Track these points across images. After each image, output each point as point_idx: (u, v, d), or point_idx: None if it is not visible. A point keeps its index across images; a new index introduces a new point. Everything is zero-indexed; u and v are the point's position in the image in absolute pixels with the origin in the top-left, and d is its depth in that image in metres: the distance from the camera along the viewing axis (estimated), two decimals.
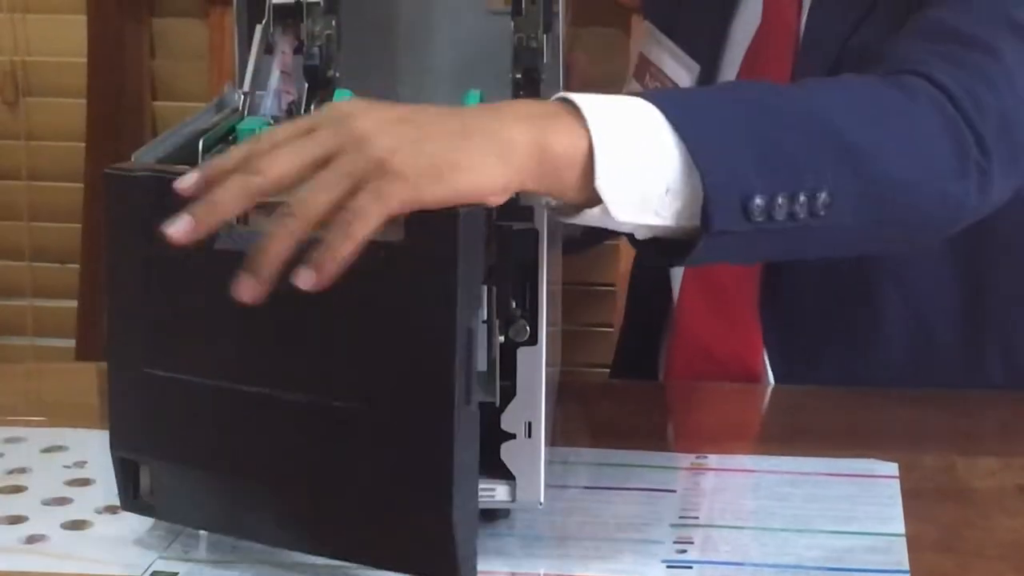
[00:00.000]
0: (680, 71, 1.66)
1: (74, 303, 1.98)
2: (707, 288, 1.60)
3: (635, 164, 1.14)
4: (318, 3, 1.25)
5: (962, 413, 1.41)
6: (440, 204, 0.98)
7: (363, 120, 1.00)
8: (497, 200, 1.02)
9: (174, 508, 1.09)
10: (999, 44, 1.37)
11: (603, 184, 1.10)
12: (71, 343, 1.99)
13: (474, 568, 1.01)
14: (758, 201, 1.20)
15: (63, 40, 2.01)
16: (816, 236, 1.28)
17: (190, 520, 1.10)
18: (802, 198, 1.22)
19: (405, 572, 1.04)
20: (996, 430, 1.38)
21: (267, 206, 1.00)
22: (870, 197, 1.29)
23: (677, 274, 1.64)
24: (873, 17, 1.54)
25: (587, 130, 1.10)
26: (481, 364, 1.04)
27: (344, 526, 1.06)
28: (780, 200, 1.22)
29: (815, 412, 1.47)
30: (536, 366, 1.08)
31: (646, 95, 1.19)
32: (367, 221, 0.95)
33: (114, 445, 1.08)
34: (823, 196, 1.24)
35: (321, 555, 1.08)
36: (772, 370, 1.57)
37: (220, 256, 0.99)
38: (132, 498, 1.08)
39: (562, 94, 1.14)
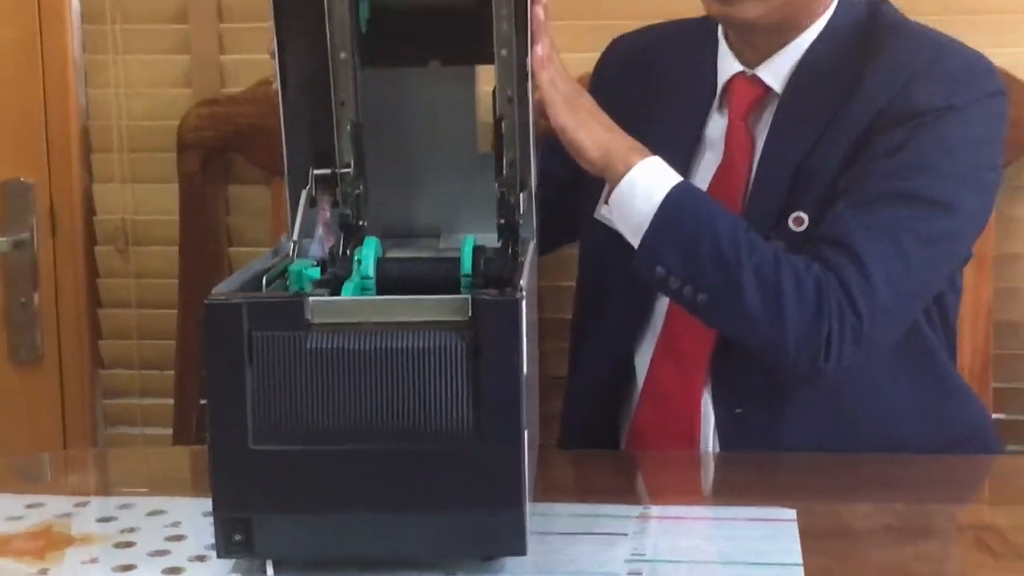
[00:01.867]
0: None
1: (171, 401, 1.98)
2: (671, 360, 1.55)
3: (629, 202, 1.39)
4: (348, 172, 1.25)
5: (846, 471, 1.41)
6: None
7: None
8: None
9: (275, 546, 1.10)
10: (866, 252, 1.39)
11: (613, 197, 1.39)
12: (169, 431, 1.99)
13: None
14: (660, 271, 1.31)
15: (162, 202, 2.01)
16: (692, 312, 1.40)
17: (291, 551, 1.11)
18: (687, 289, 1.31)
19: (491, 556, 1.12)
20: (870, 483, 1.37)
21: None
22: (732, 322, 1.41)
23: (644, 360, 1.59)
24: (824, 142, 1.48)
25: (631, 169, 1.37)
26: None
27: (440, 528, 1.09)
28: (673, 280, 1.31)
29: (736, 472, 1.49)
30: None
31: (683, 183, 1.41)
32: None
33: (218, 507, 1.08)
34: (700, 296, 1.32)
35: (421, 556, 1.12)
36: (717, 432, 1.53)
37: (313, 352, 1.05)
38: (232, 544, 1.08)
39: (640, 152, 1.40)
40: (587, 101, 1.40)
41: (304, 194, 1.27)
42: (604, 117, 1.41)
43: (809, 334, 1.37)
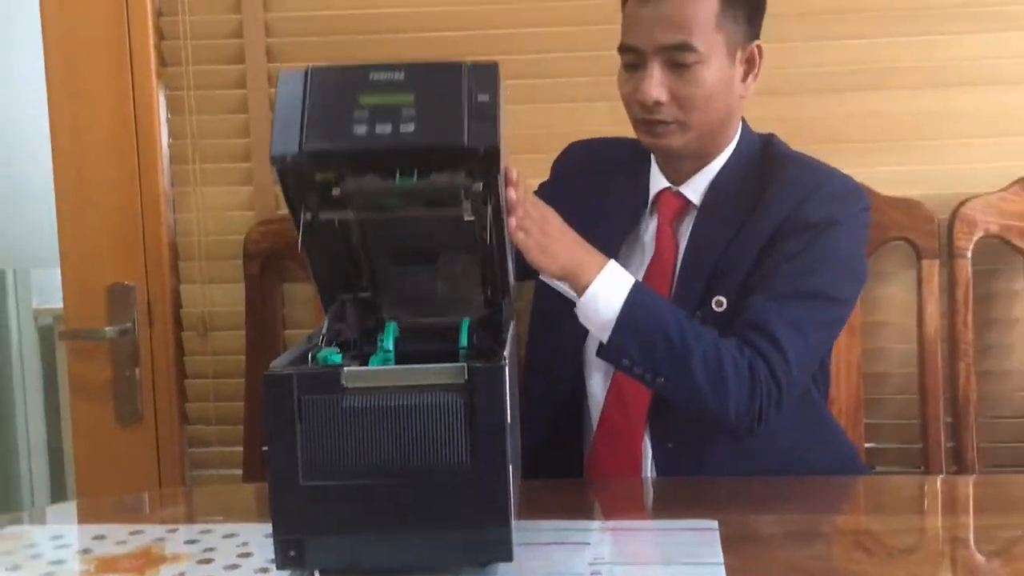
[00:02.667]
0: None
1: (240, 449, 1.97)
2: (618, 410, 1.53)
3: (594, 306, 1.35)
4: (367, 297, 1.26)
5: (754, 491, 1.40)
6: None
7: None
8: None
9: (322, 559, 1.09)
10: (783, 337, 1.40)
11: (579, 303, 1.34)
12: (239, 472, 1.98)
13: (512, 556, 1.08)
14: (625, 362, 1.29)
15: (232, 298, 2.01)
16: (651, 388, 1.40)
17: (335, 563, 1.10)
18: (647, 375, 1.30)
19: (486, 562, 1.12)
20: (774, 500, 1.37)
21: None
22: (685, 397, 1.39)
23: (598, 401, 1.56)
24: (733, 245, 1.49)
25: (594, 280, 1.34)
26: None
27: (446, 542, 1.09)
28: (635, 368, 1.31)
29: (670, 493, 1.48)
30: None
31: (637, 285, 1.37)
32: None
33: (276, 530, 1.08)
34: (660, 380, 1.32)
35: (432, 564, 1.11)
36: (655, 462, 1.51)
37: (347, 410, 1.07)
38: (288, 559, 1.08)
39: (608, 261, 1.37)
40: (554, 228, 1.34)
41: (331, 309, 1.27)
42: (568, 239, 1.36)
43: (747, 406, 1.39)
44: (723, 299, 1.47)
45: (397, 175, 1.09)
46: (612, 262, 1.38)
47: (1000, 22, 1.90)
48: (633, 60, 1.47)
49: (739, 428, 1.40)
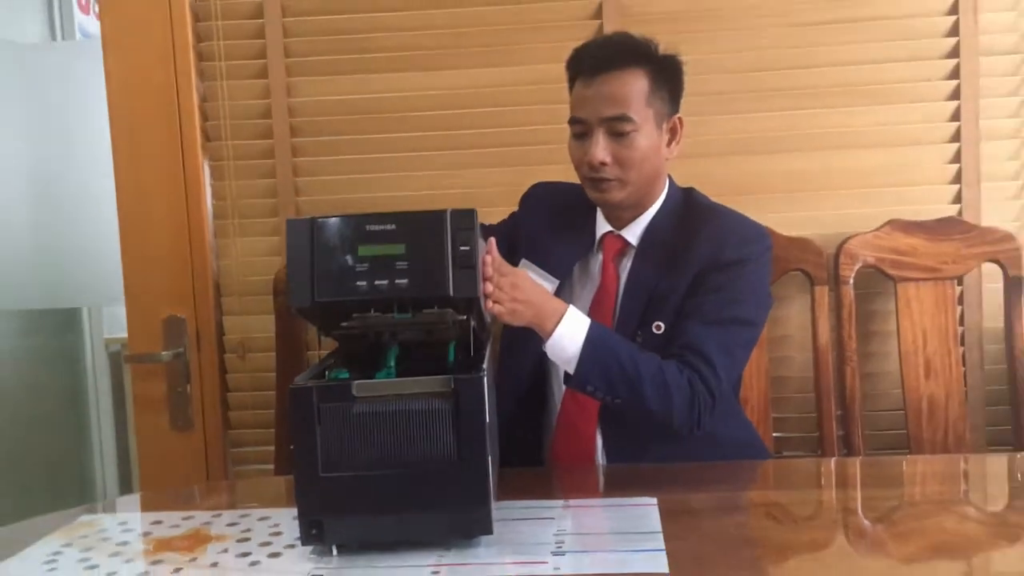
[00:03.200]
0: (547, 284, 1.53)
1: (272, 448, 1.96)
2: (575, 403, 1.51)
3: (560, 345, 1.33)
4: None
5: (686, 473, 1.39)
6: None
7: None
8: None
9: (338, 536, 1.09)
10: (714, 356, 1.41)
11: (547, 346, 1.33)
12: (271, 467, 1.96)
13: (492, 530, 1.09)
14: (590, 389, 1.29)
15: (265, 326, 2.00)
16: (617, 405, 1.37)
17: (348, 539, 1.10)
18: (607, 396, 1.30)
19: (471, 536, 1.11)
20: (702, 481, 1.36)
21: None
22: (639, 411, 1.39)
23: (557, 402, 1.56)
24: (666, 279, 1.48)
25: (558, 325, 1.32)
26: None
27: (438, 519, 1.08)
28: (597, 392, 1.30)
29: (618, 476, 1.46)
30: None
31: (592, 325, 1.36)
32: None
33: (301, 513, 1.08)
34: (618, 400, 1.31)
35: (427, 538, 1.11)
36: (605, 452, 1.51)
37: (357, 415, 1.07)
38: (310, 536, 1.08)
39: (568, 307, 1.36)
40: (521, 292, 1.31)
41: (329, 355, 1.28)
42: (533, 296, 1.33)
43: (688, 415, 1.39)
44: (661, 324, 1.47)
45: (395, 310, 1.11)
46: (571, 308, 1.37)
47: (871, 99, 1.92)
48: (581, 130, 1.48)
49: (682, 431, 1.41)
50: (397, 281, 1.07)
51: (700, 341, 1.42)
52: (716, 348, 1.41)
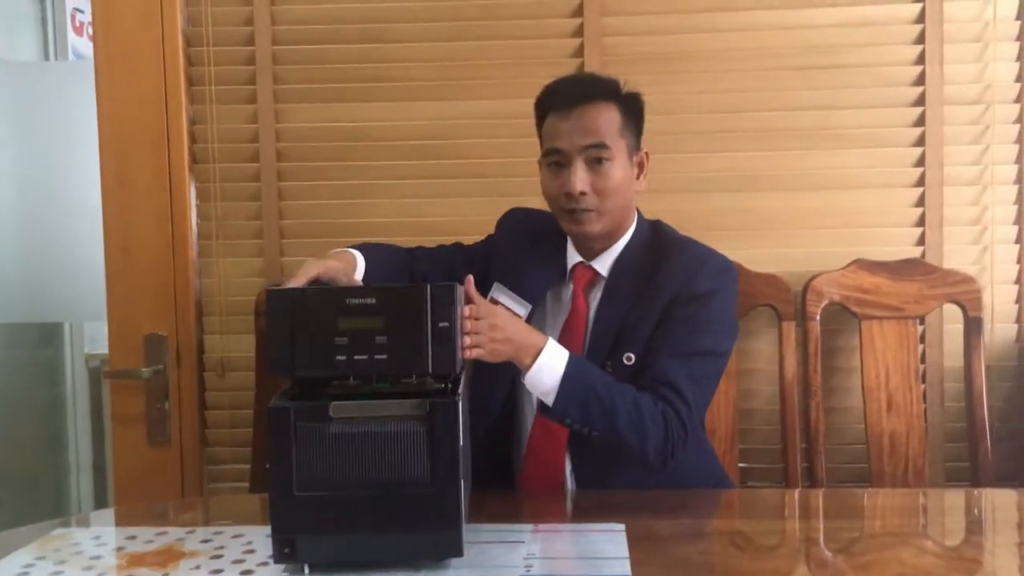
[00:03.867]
0: (519, 308, 1.53)
1: (248, 466, 1.94)
2: (544, 433, 1.50)
3: (539, 378, 1.32)
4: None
5: (652, 501, 1.39)
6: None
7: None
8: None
9: (311, 554, 1.08)
10: (686, 389, 1.41)
11: (526, 378, 1.31)
12: (246, 485, 1.94)
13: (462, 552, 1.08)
14: (567, 421, 1.29)
15: (244, 346, 1.99)
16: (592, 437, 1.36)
17: (321, 558, 1.08)
18: (584, 428, 1.30)
19: (441, 558, 1.10)
20: (667, 509, 1.36)
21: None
22: (614, 443, 1.38)
23: (527, 428, 1.54)
24: (635, 310, 1.48)
25: (537, 358, 1.31)
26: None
27: (410, 541, 1.07)
28: (574, 424, 1.30)
29: (587, 503, 1.46)
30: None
31: (571, 359, 1.36)
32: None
33: (274, 531, 1.07)
34: (594, 433, 1.31)
35: (398, 559, 1.10)
36: (574, 478, 1.50)
37: (333, 435, 1.06)
38: (283, 555, 1.07)
39: (546, 340, 1.35)
40: (499, 331, 1.29)
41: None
42: (511, 331, 1.31)
43: (662, 448, 1.39)
44: (632, 355, 1.47)
45: (374, 379, 1.11)
46: (549, 341, 1.36)
47: (840, 143, 1.95)
48: (559, 160, 1.48)
49: (656, 465, 1.40)
50: (376, 356, 1.07)
51: (671, 374, 1.41)
52: (686, 380, 1.41)
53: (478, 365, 1.40)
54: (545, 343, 1.35)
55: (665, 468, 1.40)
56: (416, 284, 1.09)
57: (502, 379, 1.51)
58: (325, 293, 1.09)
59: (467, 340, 1.22)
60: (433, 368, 1.08)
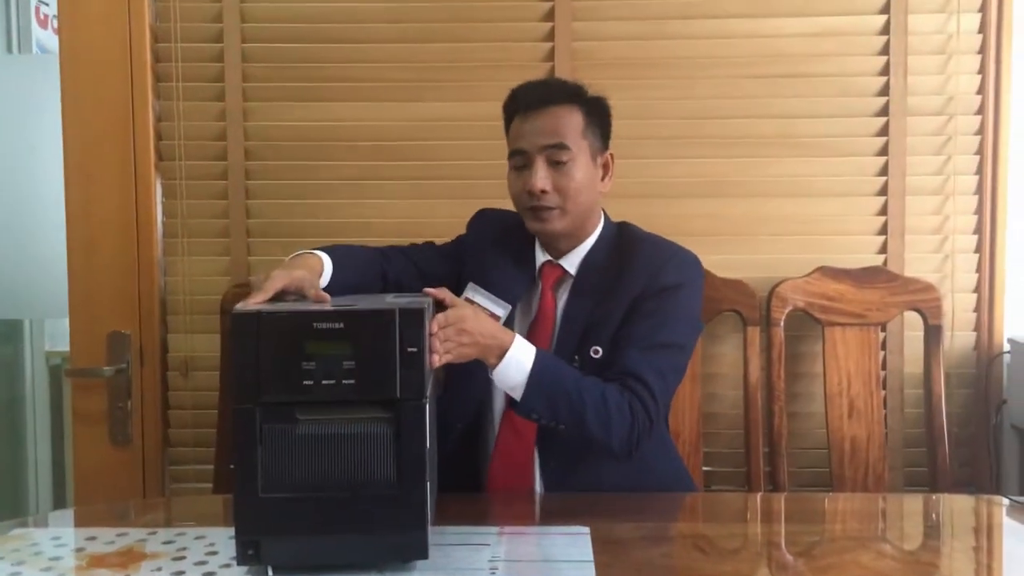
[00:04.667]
0: (498, 309, 1.54)
1: (212, 467, 1.92)
2: (512, 433, 1.51)
3: (506, 374, 1.33)
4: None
5: (616, 504, 1.40)
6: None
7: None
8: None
9: (275, 556, 1.07)
10: (651, 381, 1.42)
11: (494, 374, 1.32)
12: (210, 486, 1.92)
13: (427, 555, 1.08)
14: (534, 416, 1.29)
15: (209, 345, 1.98)
16: (559, 431, 1.37)
17: (285, 560, 1.08)
18: (551, 423, 1.31)
19: (407, 560, 1.10)
20: (630, 511, 1.36)
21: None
22: (581, 436, 1.39)
23: (497, 421, 1.54)
24: (602, 305, 1.49)
25: (503, 356, 1.32)
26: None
27: (376, 543, 1.07)
28: (542, 419, 1.31)
29: (553, 505, 1.46)
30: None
31: (538, 355, 1.36)
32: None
33: (238, 532, 1.06)
34: (561, 427, 1.31)
35: (363, 561, 1.10)
36: (542, 478, 1.50)
37: (300, 436, 1.06)
38: (247, 556, 1.06)
39: (513, 337, 1.34)
40: (467, 336, 1.29)
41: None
42: (478, 332, 1.30)
43: (627, 438, 1.40)
44: (599, 348, 1.48)
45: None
46: (516, 338, 1.36)
47: (805, 151, 1.98)
48: (522, 161, 1.51)
49: (620, 455, 1.41)
50: (344, 381, 1.05)
51: (637, 367, 1.43)
52: (652, 373, 1.43)
53: (450, 369, 1.41)
54: (512, 340, 1.35)
55: (630, 457, 1.42)
56: (384, 309, 1.07)
57: (479, 380, 1.51)
58: (292, 317, 1.06)
59: (436, 345, 1.22)
60: (401, 393, 1.06)
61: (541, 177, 1.48)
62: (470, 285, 1.59)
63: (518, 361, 1.35)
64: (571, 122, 1.49)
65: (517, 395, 1.36)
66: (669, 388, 1.49)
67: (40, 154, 2.19)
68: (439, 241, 1.72)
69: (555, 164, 1.48)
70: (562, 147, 1.48)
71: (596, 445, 1.40)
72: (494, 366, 1.34)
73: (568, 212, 1.50)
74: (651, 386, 1.42)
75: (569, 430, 1.38)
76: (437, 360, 1.23)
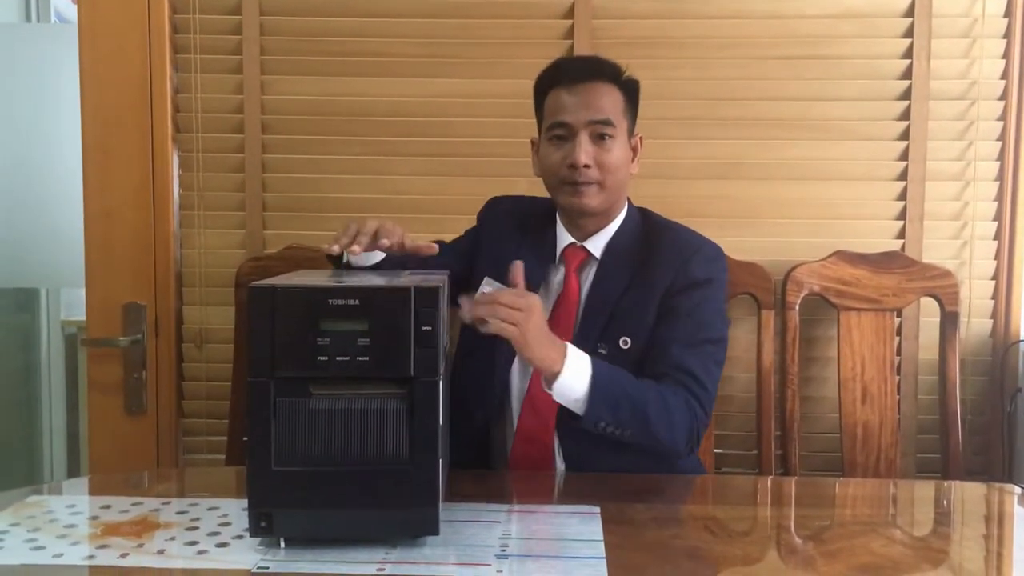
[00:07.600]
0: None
1: (225, 438, 1.93)
2: (534, 415, 1.50)
3: (569, 385, 1.31)
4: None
5: (630, 485, 1.39)
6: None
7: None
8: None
9: (287, 529, 1.07)
10: (702, 376, 1.43)
11: (554, 389, 1.30)
12: (223, 457, 1.93)
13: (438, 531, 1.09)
14: (601, 424, 1.30)
15: (224, 317, 1.99)
16: (620, 440, 1.36)
17: (297, 532, 1.08)
18: (617, 431, 1.30)
19: (417, 536, 1.10)
20: (643, 493, 1.36)
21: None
22: (646, 441, 1.38)
23: (517, 403, 1.53)
24: (629, 294, 1.49)
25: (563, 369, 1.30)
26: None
27: (387, 518, 1.08)
28: (608, 427, 1.30)
29: (567, 485, 1.46)
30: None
31: (594, 363, 1.33)
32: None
33: (251, 504, 1.06)
34: (627, 432, 1.31)
35: (374, 535, 1.10)
36: (564, 460, 1.49)
37: (313, 411, 1.06)
38: (259, 528, 1.07)
39: (568, 350, 1.31)
40: (533, 325, 1.25)
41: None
42: (542, 333, 1.28)
43: (689, 436, 1.41)
44: (628, 339, 1.48)
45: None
46: (570, 348, 1.33)
47: (825, 134, 1.96)
48: (563, 134, 1.49)
49: (684, 452, 1.43)
50: (358, 358, 1.05)
51: (687, 362, 1.43)
52: (702, 368, 1.44)
53: (472, 362, 1.40)
54: (567, 351, 1.32)
55: (692, 453, 1.44)
56: (399, 287, 1.07)
57: (497, 373, 1.51)
58: (308, 293, 1.06)
59: (499, 311, 1.21)
60: (416, 372, 1.06)
61: (586, 151, 1.47)
62: (486, 280, 1.56)
63: (576, 372, 1.32)
64: (614, 100, 1.49)
65: (579, 409, 1.33)
66: (716, 381, 1.49)
67: (58, 124, 2.20)
68: (450, 221, 1.72)
69: (599, 139, 1.48)
70: (608, 123, 1.47)
71: (662, 447, 1.40)
72: (554, 378, 1.30)
73: (606, 188, 1.49)
74: (703, 381, 1.43)
75: (635, 436, 1.37)
76: (502, 326, 1.21)
